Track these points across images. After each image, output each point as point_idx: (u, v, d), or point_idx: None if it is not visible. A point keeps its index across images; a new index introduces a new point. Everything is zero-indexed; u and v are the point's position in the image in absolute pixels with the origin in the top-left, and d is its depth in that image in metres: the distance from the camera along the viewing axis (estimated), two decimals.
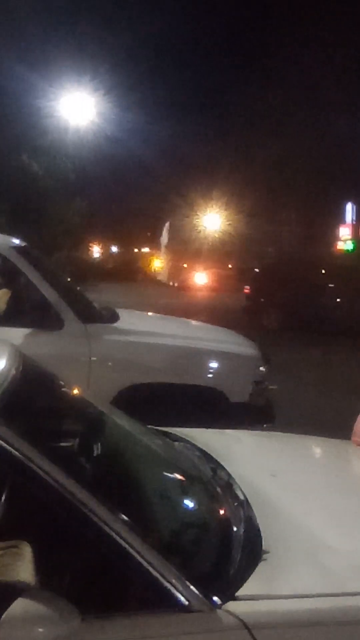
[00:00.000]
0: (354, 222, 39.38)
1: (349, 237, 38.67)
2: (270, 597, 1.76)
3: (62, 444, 2.14)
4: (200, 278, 34.36)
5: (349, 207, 39.85)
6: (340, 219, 39.92)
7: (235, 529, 2.03)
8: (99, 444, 2.26)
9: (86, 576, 1.69)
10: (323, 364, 11.02)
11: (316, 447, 3.49)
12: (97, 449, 2.22)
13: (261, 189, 37.15)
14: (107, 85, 24.44)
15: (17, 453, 1.66)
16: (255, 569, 1.84)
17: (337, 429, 3.69)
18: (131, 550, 1.64)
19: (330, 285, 16.17)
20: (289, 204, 38.83)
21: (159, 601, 1.64)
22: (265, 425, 4.95)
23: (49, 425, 2.27)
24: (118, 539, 1.64)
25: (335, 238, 39.25)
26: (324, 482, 2.70)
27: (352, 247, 37.64)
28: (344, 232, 39.24)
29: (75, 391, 2.77)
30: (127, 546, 1.64)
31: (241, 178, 37.25)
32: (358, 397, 5.36)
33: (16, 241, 5.26)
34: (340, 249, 38.18)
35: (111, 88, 25.11)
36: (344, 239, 38.83)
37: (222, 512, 2.15)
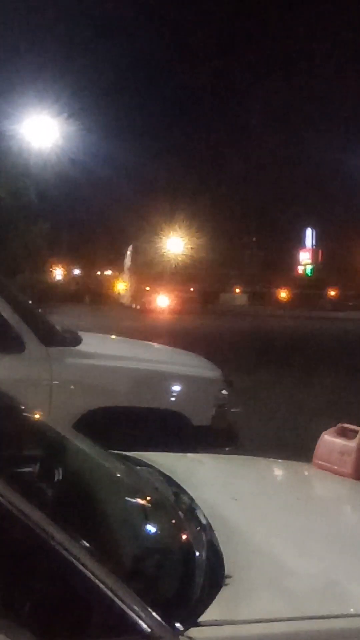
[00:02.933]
0: (314, 247, 40.09)
1: (309, 261, 39.33)
2: (232, 623, 1.75)
3: (22, 469, 2.11)
4: (163, 301, 34.47)
5: (309, 232, 40.61)
6: (301, 244, 40.63)
7: (197, 554, 2.02)
8: (60, 469, 2.23)
9: (46, 604, 1.66)
10: (285, 387, 11.11)
11: (277, 470, 3.51)
12: (57, 474, 2.19)
13: (223, 214, 37.63)
14: (71, 109, 24.54)
15: None
16: (217, 594, 1.83)
17: (299, 452, 3.73)
18: (92, 577, 1.61)
19: None
20: (250, 228, 39.36)
21: (121, 628, 1.61)
22: (227, 449, 4.95)
23: (9, 450, 2.23)
24: (78, 565, 1.62)
25: (296, 262, 39.88)
26: (285, 505, 2.71)
27: (310, 272, 38.29)
28: (304, 257, 39.92)
29: (36, 415, 2.74)
30: (87, 572, 1.61)
31: (204, 202, 37.68)
32: (319, 420, 5.42)
33: None
34: (300, 273, 38.78)
35: (75, 111, 25.22)
36: (304, 264, 39.49)
37: (184, 537, 2.14)
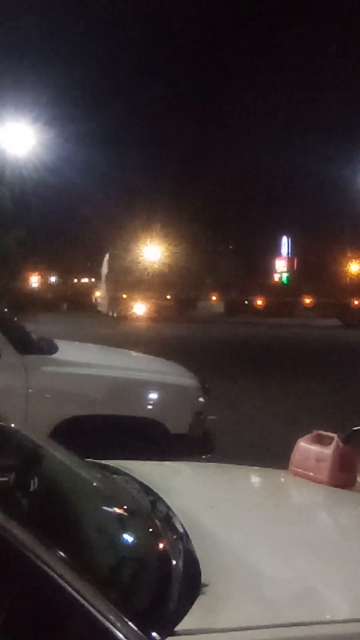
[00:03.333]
0: (289, 255, 40.41)
1: (285, 269, 39.63)
2: (209, 631, 1.74)
3: None
4: (140, 308, 34.46)
5: (285, 240, 40.92)
6: (277, 252, 40.93)
7: (174, 562, 2.02)
8: (36, 478, 2.21)
9: (21, 614, 1.64)
10: (261, 395, 11.15)
11: (254, 478, 3.52)
12: (33, 484, 2.17)
13: (200, 222, 37.77)
14: (48, 116, 24.48)
15: None
16: (194, 602, 1.83)
17: (276, 459, 3.73)
18: (67, 587, 1.60)
19: None
20: (227, 236, 39.56)
21: (96, 638, 1.60)
22: (204, 457, 4.95)
23: None
24: (54, 575, 1.60)
25: (272, 270, 40.16)
26: (262, 512, 2.72)
27: (286, 280, 38.57)
28: (280, 265, 40.20)
29: (12, 424, 2.72)
30: (62, 582, 1.60)
31: (181, 210, 37.80)
32: (295, 427, 5.44)
33: None
34: (276, 281, 39.05)
35: (52, 119, 25.17)
36: (280, 271, 39.78)
37: (161, 545, 2.13)
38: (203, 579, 1.94)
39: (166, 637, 1.66)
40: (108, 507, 2.38)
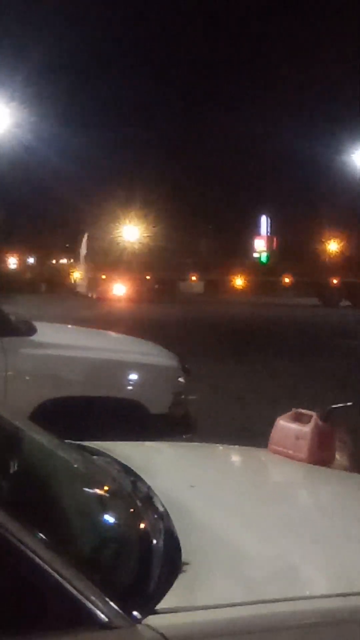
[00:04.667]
0: (269, 235, 40.40)
1: (264, 249, 39.62)
2: (190, 609, 1.76)
3: None
4: (119, 289, 34.29)
5: (264, 220, 40.86)
6: (256, 231, 40.89)
7: (154, 542, 2.03)
8: (15, 461, 2.20)
9: (0, 596, 1.64)
10: (241, 374, 11.21)
11: (234, 457, 3.54)
12: (12, 466, 2.16)
13: (179, 201, 37.56)
14: (25, 96, 24.14)
15: None
16: (175, 581, 1.84)
17: (256, 438, 3.77)
18: (47, 567, 1.60)
19: None
20: (206, 215, 39.41)
21: (77, 618, 1.61)
22: (185, 437, 4.98)
23: None
24: (33, 556, 1.60)
25: (251, 250, 40.13)
26: (241, 490, 2.74)
27: (265, 259, 38.59)
28: (259, 244, 40.18)
29: None
30: (42, 563, 1.60)
31: (159, 190, 37.53)
32: (275, 405, 5.48)
33: None
34: (256, 260, 39.06)
35: (28, 98, 24.82)
36: (259, 251, 39.75)
37: (141, 525, 2.14)
38: (184, 558, 1.95)
39: (147, 615, 1.67)
40: (88, 488, 2.39)
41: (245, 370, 11.62)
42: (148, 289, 34.23)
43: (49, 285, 41.06)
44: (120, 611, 1.63)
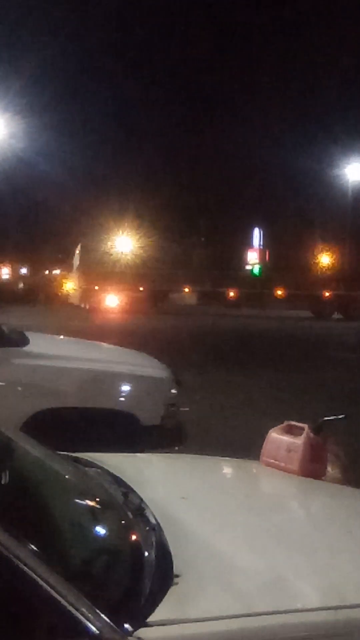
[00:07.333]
0: (261, 247, 40.52)
1: (257, 261, 39.73)
2: (181, 622, 1.75)
3: None
4: (112, 300, 34.29)
5: (257, 232, 41.00)
6: (249, 244, 41.01)
7: (146, 554, 2.02)
8: (7, 472, 2.20)
9: None
10: (233, 386, 11.20)
11: (226, 468, 3.54)
12: (4, 477, 2.15)
13: (173, 213, 37.69)
14: (19, 106, 24.21)
15: None
16: (166, 593, 1.84)
17: (247, 450, 3.76)
18: (39, 580, 1.60)
19: None
20: (199, 227, 39.53)
21: (69, 630, 1.60)
22: (177, 448, 4.97)
23: None
24: (24, 568, 1.60)
25: (244, 262, 40.23)
26: (233, 502, 2.73)
27: (258, 271, 38.68)
28: (252, 257, 40.29)
29: None
30: (34, 575, 1.60)
31: (153, 201, 37.68)
32: (266, 418, 5.49)
33: None
34: (248, 273, 39.15)
35: (23, 109, 24.90)
36: (252, 263, 39.86)
37: (133, 537, 2.14)
38: (175, 570, 1.95)
39: (138, 628, 1.67)
40: (80, 499, 2.38)
41: (237, 382, 11.62)
42: (141, 300, 34.23)
43: (41, 296, 41.05)
44: (111, 623, 1.63)
